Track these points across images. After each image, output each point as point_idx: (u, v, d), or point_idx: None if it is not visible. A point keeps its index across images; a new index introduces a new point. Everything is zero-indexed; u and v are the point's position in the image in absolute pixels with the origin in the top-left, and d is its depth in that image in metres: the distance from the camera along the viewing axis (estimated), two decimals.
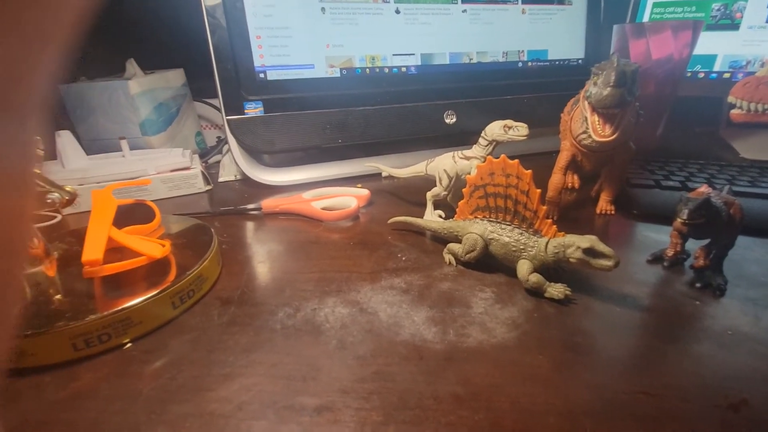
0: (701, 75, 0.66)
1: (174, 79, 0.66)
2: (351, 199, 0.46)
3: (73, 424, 0.22)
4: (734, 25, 0.62)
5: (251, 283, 0.34)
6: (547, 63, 0.69)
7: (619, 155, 0.42)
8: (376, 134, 0.60)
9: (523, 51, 0.67)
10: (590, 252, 0.28)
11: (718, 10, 0.62)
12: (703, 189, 0.28)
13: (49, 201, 0.27)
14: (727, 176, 0.49)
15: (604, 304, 0.30)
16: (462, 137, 0.64)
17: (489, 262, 0.34)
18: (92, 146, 0.59)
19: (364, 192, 0.49)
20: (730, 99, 0.29)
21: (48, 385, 0.24)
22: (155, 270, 0.31)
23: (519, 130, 0.37)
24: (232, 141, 0.55)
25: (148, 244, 0.31)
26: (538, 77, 0.69)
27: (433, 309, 0.30)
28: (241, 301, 0.31)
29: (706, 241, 0.32)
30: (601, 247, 0.28)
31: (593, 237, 0.29)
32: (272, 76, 0.55)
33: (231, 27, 0.51)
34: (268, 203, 0.47)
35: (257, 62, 0.53)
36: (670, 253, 0.32)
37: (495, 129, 0.38)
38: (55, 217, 0.47)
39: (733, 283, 0.32)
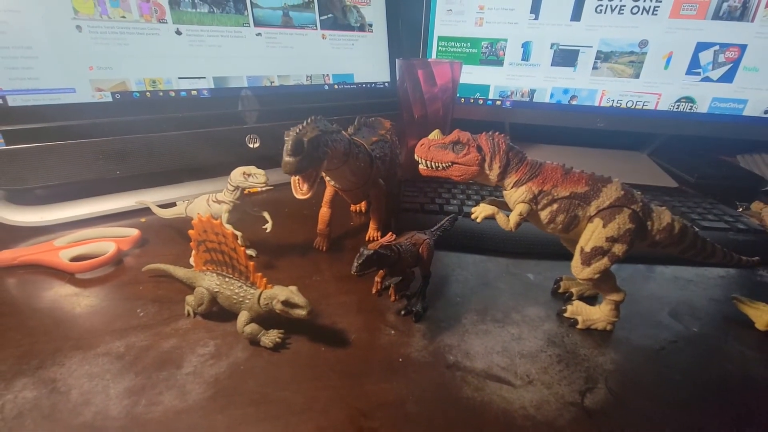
0: (480, 102, 0.77)
1: None
2: (109, 244, 0.43)
3: None
4: (499, 62, 0.74)
5: None
6: (354, 86, 0.73)
7: (372, 192, 0.46)
8: (166, 163, 0.56)
9: (328, 74, 0.70)
10: (287, 303, 0.31)
11: (486, 47, 0.73)
12: (386, 238, 0.33)
13: None
14: (480, 197, 0.58)
15: (313, 345, 0.33)
16: (269, 161, 0.64)
17: (228, 311, 0.35)
18: None
19: (132, 233, 0.46)
20: (416, 157, 0.34)
21: None
22: None
23: (257, 177, 0.38)
24: None
25: None
26: (346, 99, 0.72)
27: (139, 376, 0.29)
28: None
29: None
30: (296, 298, 0.31)
31: (293, 288, 0.32)
32: (15, 101, 0.47)
33: None
34: (5, 255, 0.41)
35: None
36: (373, 290, 0.37)
37: (237, 176, 0.39)
38: None
39: (434, 306, 0.38)
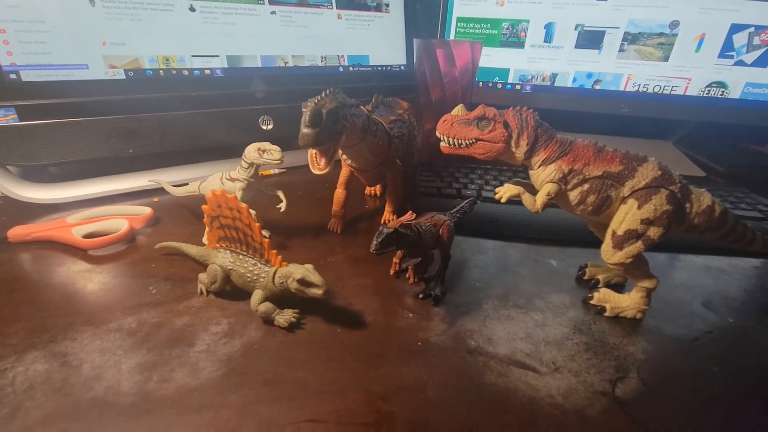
0: (499, 86, 0.74)
1: None
2: (122, 222, 0.43)
3: None
4: (520, 44, 0.71)
5: None
6: (370, 68, 0.71)
7: (389, 173, 0.45)
8: (179, 142, 0.55)
9: (342, 56, 0.68)
10: (303, 282, 0.30)
11: (507, 29, 0.70)
12: (406, 217, 0.31)
13: None
14: (498, 182, 0.56)
15: (328, 326, 0.32)
16: (283, 143, 0.62)
17: (242, 290, 0.34)
18: None
19: (145, 211, 0.45)
20: (437, 134, 0.33)
21: None
22: None
23: (272, 153, 0.37)
24: None
25: None
26: (360, 82, 0.70)
27: (151, 352, 0.29)
28: None
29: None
30: (313, 277, 0.30)
31: (309, 266, 0.30)
32: (29, 77, 0.46)
33: None
34: (18, 231, 0.41)
35: (3, 60, 0.45)
36: (391, 271, 0.35)
37: (251, 152, 0.38)
38: None
39: (453, 290, 0.37)
